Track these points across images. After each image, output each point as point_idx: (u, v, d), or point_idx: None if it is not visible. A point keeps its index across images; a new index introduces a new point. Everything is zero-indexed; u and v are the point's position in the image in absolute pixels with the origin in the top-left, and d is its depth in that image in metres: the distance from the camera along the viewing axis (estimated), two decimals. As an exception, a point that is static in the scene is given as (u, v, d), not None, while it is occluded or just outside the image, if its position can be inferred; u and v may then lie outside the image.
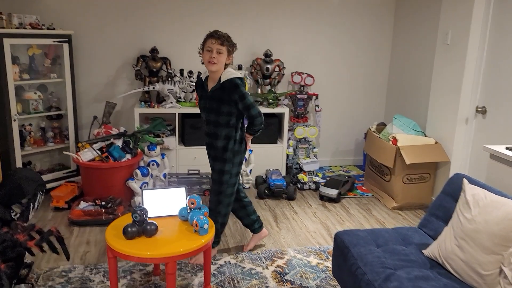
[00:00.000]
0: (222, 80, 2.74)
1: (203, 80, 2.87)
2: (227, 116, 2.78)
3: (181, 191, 2.63)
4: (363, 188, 4.49)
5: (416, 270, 2.17)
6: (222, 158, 2.86)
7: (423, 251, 2.36)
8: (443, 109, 3.91)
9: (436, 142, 3.95)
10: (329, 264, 3.03)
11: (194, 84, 2.98)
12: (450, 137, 3.83)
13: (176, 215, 2.60)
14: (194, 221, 2.41)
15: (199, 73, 4.34)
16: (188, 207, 2.55)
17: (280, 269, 2.95)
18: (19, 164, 3.83)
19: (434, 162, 3.94)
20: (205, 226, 2.40)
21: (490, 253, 2.00)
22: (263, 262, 3.03)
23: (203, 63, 2.77)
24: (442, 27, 3.91)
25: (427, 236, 2.53)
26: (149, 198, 2.59)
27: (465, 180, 2.31)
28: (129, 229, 2.33)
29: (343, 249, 2.43)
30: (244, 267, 2.96)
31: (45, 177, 4.01)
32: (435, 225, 2.53)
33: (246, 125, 2.91)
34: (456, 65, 3.74)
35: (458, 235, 2.15)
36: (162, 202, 2.60)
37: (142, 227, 2.36)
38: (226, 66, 2.80)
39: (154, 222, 2.39)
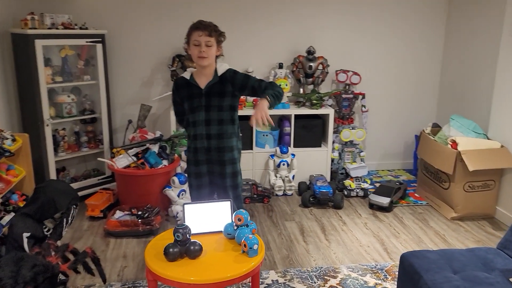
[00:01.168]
0: (220, 72, 2.49)
1: (188, 78, 2.53)
2: (231, 111, 2.53)
3: (226, 205, 2.36)
4: (416, 195, 4.12)
5: (507, 304, 1.83)
6: (233, 159, 2.58)
7: (511, 279, 2.01)
8: (510, 109, 3.50)
9: (502, 146, 3.55)
10: (388, 285, 2.71)
11: (173, 86, 2.52)
12: (519, 141, 3.43)
13: (220, 231, 2.34)
14: (242, 241, 2.14)
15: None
16: (234, 224, 2.29)
17: (334, 291, 2.65)
18: (52, 170, 3.68)
19: (500, 169, 3.54)
20: (255, 247, 2.13)
21: None
22: (315, 282, 2.73)
23: (190, 58, 2.48)
24: (508, 18, 3.50)
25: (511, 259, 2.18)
26: (191, 212, 2.34)
27: None
28: (171, 249, 2.08)
29: (413, 275, 2.11)
30: (294, 287, 2.68)
31: (79, 184, 3.86)
32: (522, 247, 2.18)
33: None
34: (526, 60, 3.33)
35: (560, 264, 1.80)
36: (205, 217, 2.35)
37: (185, 248, 2.11)
38: (216, 58, 2.51)
39: (198, 241, 2.14)
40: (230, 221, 2.33)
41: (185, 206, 2.34)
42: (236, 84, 2.48)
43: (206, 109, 2.50)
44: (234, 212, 2.32)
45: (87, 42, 3.74)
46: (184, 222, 2.30)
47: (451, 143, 3.60)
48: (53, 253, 1.98)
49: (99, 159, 3.83)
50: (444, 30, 4.56)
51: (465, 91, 4.27)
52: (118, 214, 3.44)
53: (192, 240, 2.14)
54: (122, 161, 3.56)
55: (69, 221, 2.39)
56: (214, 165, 2.59)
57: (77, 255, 2.01)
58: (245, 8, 4.22)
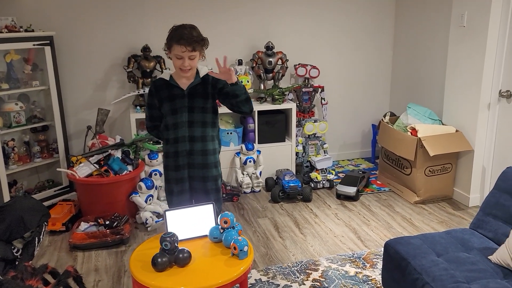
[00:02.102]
0: (202, 74, 2.45)
1: (168, 79, 2.46)
2: (213, 113, 2.50)
3: (208, 209, 2.31)
4: (378, 182, 4.26)
5: (492, 281, 1.94)
6: (215, 162, 2.56)
7: (490, 257, 2.13)
8: (462, 95, 3.70)
9: (456, 131, 3.75)
10: (368, 272, 2.78)
11: (151, 88, 2.47)
12: (472, 125, 3.63)
13: (205, 235, 2.28)
14: (232, 244, 2.10)
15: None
16: (220, 227, 2.24)
17: (318, 283, 2.67)
18: (4, 184, 3.41)
19: (456, 152, 3.74)
20: (245, 249, 2.10)
21: None
22: (298, 277, 2.75)
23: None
24: (456, 9, 3.68)
25: (486, 239, 2.30)
26: (173, 219, 2.26)
27: (532, 176, 2.09)
28: (159, 259, 2.00)
29: (400, 262, 2.17)
30: (278, 285, 2.67)
31: (34, 197, 3.60)
32: (494, 226, 2.31)
33: None
34: (474, 48, 3.52)
35: (536, 239, 1.92)
36: (188, 222, 2.28)
37: (174, 256, 2.03)
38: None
39: (187, 249, 2.07)
40: (215, 225, 2.28)
41: (167, 212, 2.26)
42: (216, 86, 2.44)
43: (190, 110, 2.43)
44: (219, 215, 2.28)
45: (34, 45, 3.49)
46: (167, 230, 2.22)
47: (410, 130, 3.75)
48: (31, 276, 1.83)
49: (58, 169, 3.60)
50: (394, 21, 4.73)
51: (417, 80, 4.46)
52: (84, 225, 3.25)
53: (180, 248, 2.06)
54: (84, 169, 3.37)
55: (41, 239, 2.23)
56: (196, 169, 2.52)
57: (58, 276, 1.87)
58: (200, 5, 4.12)
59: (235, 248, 2.09)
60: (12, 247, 2.16)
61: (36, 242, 2.17)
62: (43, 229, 2.20)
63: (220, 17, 4.19)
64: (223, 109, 4.00)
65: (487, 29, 3.40)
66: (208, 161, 2.50)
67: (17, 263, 2.12)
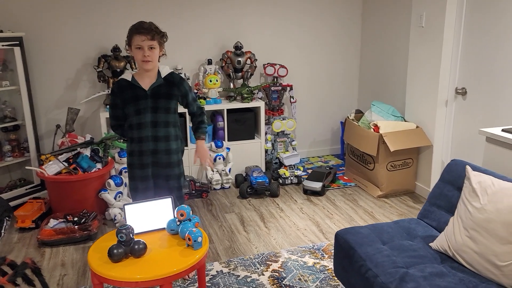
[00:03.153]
0: (163, 74, 2.54)
1: (130, 80, 2.53)
2: (175, 113, 2.59)
3: (167, 202, 2.40)
4: (345, 178, 4.39)
5: (429, 266, 2.07)
6: (178, 161, 2.66)
7: (430, 244, 2.26)
8: (422, 92, 3.85)
9: (417, 127, 3.90)
10: (326, 263, 2.90)
11: (113, 88, 2.56)
12: (430, 121, 3.79)
13: (163, 228, 2.38)
14: (186, 235, 2.20)
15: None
16: (177, 219, 2.33)
17: (277, 274, 2.79)
18: (-26, 183, 3.46)
19: (417, 147, 3.89)
20: (199, 239, 2.19)
21: (506, 242, 1.91)
22: (258, 268, 2.86)
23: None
24: (415, 10, 3.83)
25: (430, 227, 2.44)
26: (132, 212, 2.34)
27: (468, 168, 2.22)
28: (115, 250, 2.08)
29: (348, 250, 2.29)
30: (238, 275, 2.78)
31: (5, 195, 3.66)
32: (437, 215, 2.44)
33: (193, 127, 2.72)
34: (432, 48, 3.67)
35: (469, 225, 2.06)
36: (147, 215, 2.36)
37: (130, 247, 2.12)
38: (159, 58, 2.55)
39: (142, 240, 2.16)
40: (173, 218, 2.37)
41: (126, 206, 2.34)
42: (181, 90, 2.54)
43: (153, 110, 2.50)
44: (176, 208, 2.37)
45: (3, 45, 3.54)
46: (126, 223, 2.30)
47: (373, 127, 3.88)
48: (-11, 268, 1.90)
49: (27, 167, 3.65)
50: (360, 21, 4.87)
51: (383, 78, 4.61)
52: (53, 222, 3.32)
53: (135, 240, 2.15)
54: (53, 167, 3.43)
55: (2, 234, 2.29)
56: (160, 168, 2.60)
57: (16, 268, 1.95)
58: (170, 4, 4.21)
59: (189, 239, 2.19)
60: (-26, 242, 2.22)
61: (-2, 236, 2.24)
62: (4, 224, 2.27)
63: (190, 17, 4.28)
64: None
65: (443, 29, 3.55)
66: (171, 159, 2.59)
67: (-22, 256, 2.18)
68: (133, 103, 2.52)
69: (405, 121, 4.05)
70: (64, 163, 3.45)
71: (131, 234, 2.13)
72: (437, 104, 3.70)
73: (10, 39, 3.57)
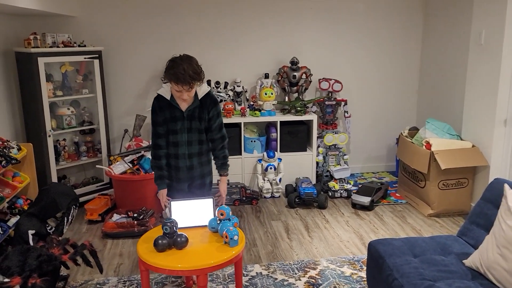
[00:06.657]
0: (200, 95, 2.61)
1: (168, 99, 2.58)
2: (205, 133, 2.70)
3: (208, 202, 2.61)
4: (397, 195, 4.36)
5: (457, 281, 2.07)
6: (210, 171, 2.83)
7: (464, 261, 2.25)
8: (480, 111, 3.76)
9: (473, 146, 3.80)
10: (363, 274, 2.94)
11: (154, 106, 2.63)
12: (488, 140, 3.67)
13: (205, 225, 2.59)
14: (224, 233, 2.39)
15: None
16: (217, 218, 2.53)
17: (313, 280, 2.88)
18: (54, 178, 3.93)
19: (473, 167, 3.78)
20: (235, 238, 2.38)
21: (537, 262, 1.88)
22: (296, 273, 2.97)
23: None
24: (475, 27, 3.77)
25: (467, 245, 2.41)
26: (177, 208, 2.59)
27: (506, 186, 2.20)
28: (160, 241, 2.32)
29: (378, 259, 2.35)
30: (276, 278, 2.91)
31: (79, 191, 4.10)
32: (476, 233, 2.41)
33: (217, 162, 2.80)
34: (491, 66, 3.59)
35: (501, 243, 2.04)
36: (191, 212, 2.59)
37: (173, 239, 2.35)
38: None
39: (184, 234, 2.38)
40: (213, 216, 2.58)
41: (172, 202, 2.59)
42: (209, 114, 2.65)
43: (188, 131, 2.66)
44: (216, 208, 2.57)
45: (85, 58, 4.02)
46: (171, 217, 2.54)
47: (425, 144, 3.85)
48: (55, 246, 2.23)
49: (97, 166, 4.09)
50: (421, 38, 4.84)
51: (441, 95, 4.54)
52: (116, 217, 3.68)
53: (179, 233, 2.38)
54: (119, 167, 3.82)
55: (70, 220, 2.64)
56: (195, 180, 2.79)
57: (76, 248, 2.25)
58: (233, 24, 4.51)
59: (226, 237, 2.38)
60: (47, 225, 2.59)
61: (65, 221, 2.59)
62: (72, 211, 2.62)
63: (250, 36, 4.55)
64: (248, 119, 4.35)
65: (501, 47, 3.47)
66: (204, 171, 2.79)
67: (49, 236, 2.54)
68: (171, 123, 2.63)
69: (461, 139, 3.95)
70: (129, 164, 3.82)
71: (174, 227, 2.36)
72: (495, 123, 3.59)
73: (91, 53, 4.06)
